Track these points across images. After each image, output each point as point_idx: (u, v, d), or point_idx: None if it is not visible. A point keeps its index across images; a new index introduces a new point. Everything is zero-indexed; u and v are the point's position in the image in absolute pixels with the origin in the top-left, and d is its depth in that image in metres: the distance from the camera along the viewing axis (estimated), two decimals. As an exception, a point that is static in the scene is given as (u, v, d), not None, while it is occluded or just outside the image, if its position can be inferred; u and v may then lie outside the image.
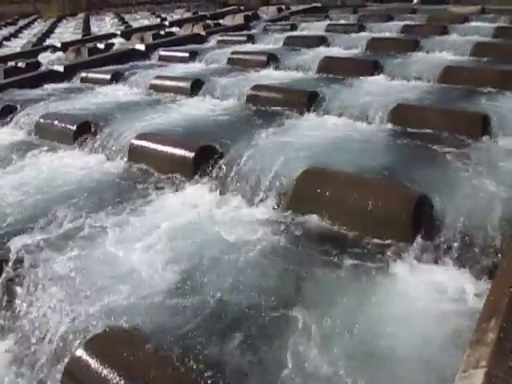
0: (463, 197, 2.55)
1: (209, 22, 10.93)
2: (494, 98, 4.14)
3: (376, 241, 2.41)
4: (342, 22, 9.15)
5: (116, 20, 16.58)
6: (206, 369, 1.64)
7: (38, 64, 7.79)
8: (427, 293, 2.05)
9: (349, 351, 1.76)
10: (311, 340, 1.81)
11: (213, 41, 8.57)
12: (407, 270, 2.21)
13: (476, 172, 2.83)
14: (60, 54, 9.29)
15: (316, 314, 1.94)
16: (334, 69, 5.50)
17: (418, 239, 2.31)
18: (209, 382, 1.57)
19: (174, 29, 11.11)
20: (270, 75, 5.72)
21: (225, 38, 8.48)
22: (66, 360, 1.77)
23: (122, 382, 1.56)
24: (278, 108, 4.45)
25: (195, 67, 6.68)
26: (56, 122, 4.41)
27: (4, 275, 2.36)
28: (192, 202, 3.01)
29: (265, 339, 1.84)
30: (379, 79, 5.14)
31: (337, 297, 2.05)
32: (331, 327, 1.87)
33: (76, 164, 3.75)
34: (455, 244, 2.26)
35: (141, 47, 8.03)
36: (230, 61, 6.58)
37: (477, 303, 1.90)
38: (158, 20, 14.75)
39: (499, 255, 2.17)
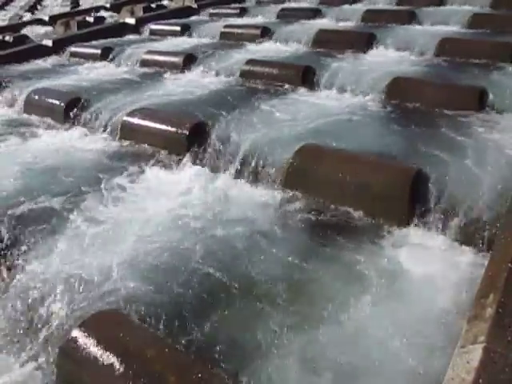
0: (459, 171, 2.53)
1: (201, -6, 10.62)
2: (490, 70, 4.07)
3: (373, 216, 2.40)
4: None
5: (105, -8, 16.08)
6: (202, 348, 1.63)
7: (26, 38, 7.59)
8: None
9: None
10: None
11: (205, 14, 8.36)
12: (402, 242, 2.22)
13: (472, 146, 2.80)
14: (48, 27, 9.04)
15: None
16: (329, 42, 5.39)
17: (416, 215, 2.30)
18: (205, 360, 1.56)
19: (165, 1, 10.80)
20: (264, 49, 5.59)
21: (217, 10, 8.26)
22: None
23: (118, 362, 1.55)
24: (272, 83, 4.36)
25: (187, 41, 6.52)
26: (46, 99, 4.32)
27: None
28: (187, 178, 2.97)
29: (264, 312, 1.85)
30: (375, 52, 5.04)
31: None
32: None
33: (66, 141, 3.68)
34: (454, 218, 2.25)
35: (131, 21, 7.81)
36: (223, 35, 6.43)
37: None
38: (149, -8, 14.30)
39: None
